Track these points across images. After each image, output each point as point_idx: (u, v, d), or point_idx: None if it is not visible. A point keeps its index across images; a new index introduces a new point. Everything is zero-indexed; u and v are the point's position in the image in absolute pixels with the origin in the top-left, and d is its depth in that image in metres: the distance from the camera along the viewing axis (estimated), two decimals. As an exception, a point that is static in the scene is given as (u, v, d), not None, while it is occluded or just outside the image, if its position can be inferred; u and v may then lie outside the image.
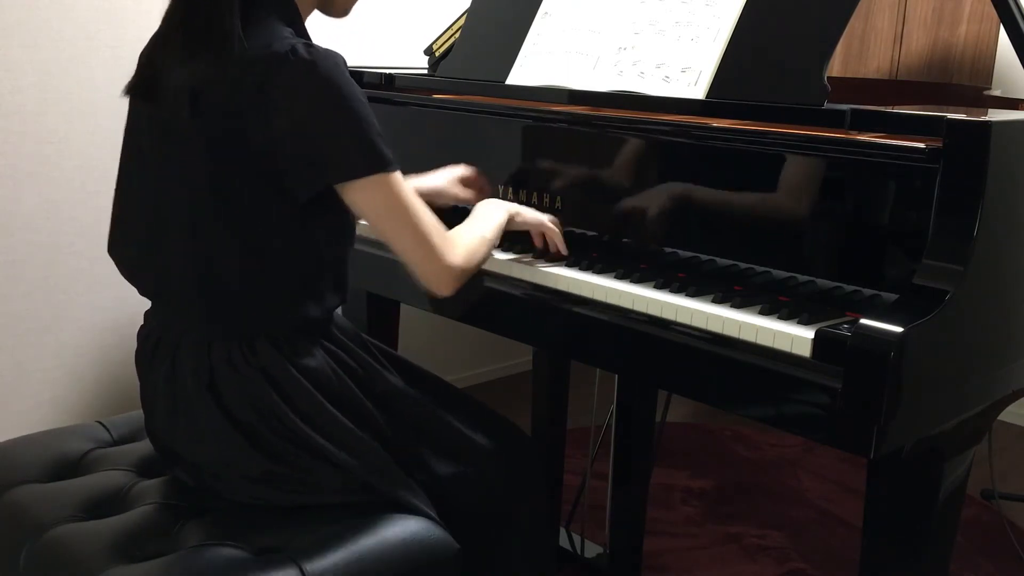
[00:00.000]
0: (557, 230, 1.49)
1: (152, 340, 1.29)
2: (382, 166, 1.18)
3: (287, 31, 1.19)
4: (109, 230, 1.33)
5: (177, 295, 1.25)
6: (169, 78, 1.18)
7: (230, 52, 1.14)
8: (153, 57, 1.24)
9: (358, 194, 1.19)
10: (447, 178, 1.61)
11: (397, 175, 1.20)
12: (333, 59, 1.16)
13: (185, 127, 1.18)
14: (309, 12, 1.32)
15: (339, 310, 1.33)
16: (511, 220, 1.45)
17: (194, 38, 1.17)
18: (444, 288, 1.27)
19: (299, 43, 1.15)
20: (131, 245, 1.30)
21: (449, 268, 1.25)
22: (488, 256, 1.36)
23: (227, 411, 1.22)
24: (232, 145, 1.16)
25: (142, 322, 1.34)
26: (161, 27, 1.24)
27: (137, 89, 1.25)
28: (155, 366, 1.27)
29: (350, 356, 1.31)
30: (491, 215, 1.41)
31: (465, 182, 1.62)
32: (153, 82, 1.21)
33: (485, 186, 1.63)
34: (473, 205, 1.47)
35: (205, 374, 1.22)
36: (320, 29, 1.34)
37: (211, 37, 1.15)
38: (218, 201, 1.18)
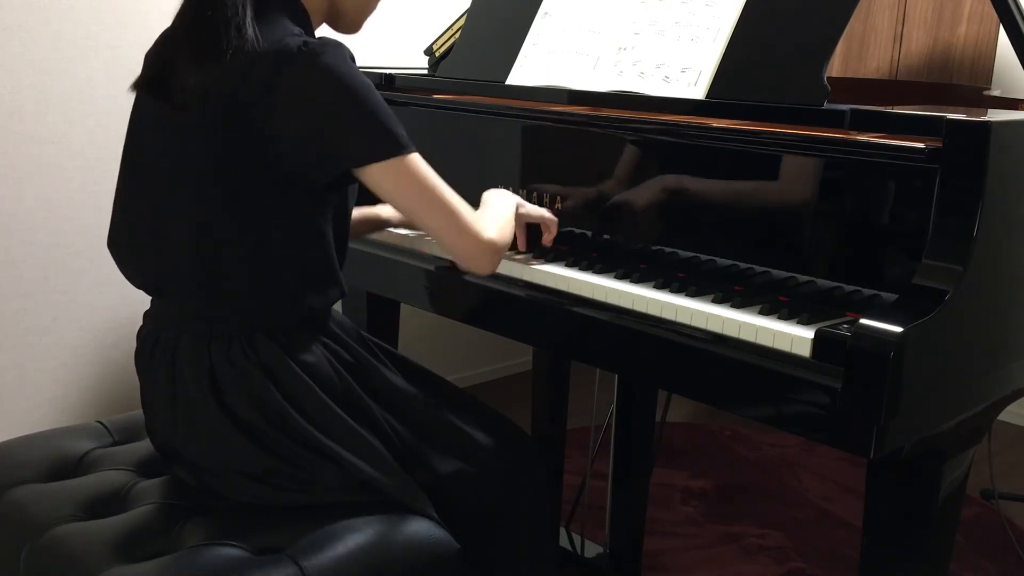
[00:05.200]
0: (555, 225, 1.50)
1: (151, 339, 1.29)
2: (399, 149, 1.19)
3: (297, 29, 1.22)
4: (110, 225, 1.33)
5: (178, 290, 1.25)
6: (181, 75, 1.19)
7: (242, 49, 1.15)
8: (164, 55, 1.24)
9: (380, 179, 1.20)
10: None
11: (415, 156, 1.21)
12: (340, 50, 1.18)
13: (193, 122, 1.18)
14: (320, 22, 1.33)
15: (339, 307, 1.33)
16: (516, 210, 1.45)
17: (207, 37, 1.17)
18: (485, 263, 1.27)
19: (310, 39, 1.18)
20: (132, 240, 1.30)
21: (487, 242, 1.26)
22: (513, 236, 1.36)
23: (227, 408, 1.22)
24: (240, 139, 1.17)
25: (142, 322, 1.34)
26: (173, 25, 1.25)
27: (147, 86, 1.25)
28: (154, 365, 1.27)
29: (349, 353, 1.31)
30: (503, 201, 1.42)
31: None
32: (164, 79, 1.22)
33: None
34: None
35: (205, 371, 1.22)
36: (321, 28, 1.35)
37: (224, 35, 1.16)
38: (224, 195, 1.19)
